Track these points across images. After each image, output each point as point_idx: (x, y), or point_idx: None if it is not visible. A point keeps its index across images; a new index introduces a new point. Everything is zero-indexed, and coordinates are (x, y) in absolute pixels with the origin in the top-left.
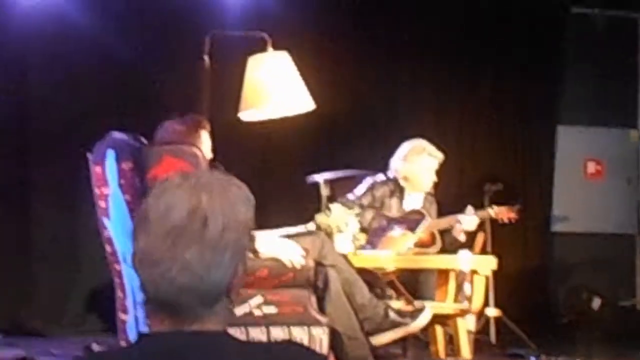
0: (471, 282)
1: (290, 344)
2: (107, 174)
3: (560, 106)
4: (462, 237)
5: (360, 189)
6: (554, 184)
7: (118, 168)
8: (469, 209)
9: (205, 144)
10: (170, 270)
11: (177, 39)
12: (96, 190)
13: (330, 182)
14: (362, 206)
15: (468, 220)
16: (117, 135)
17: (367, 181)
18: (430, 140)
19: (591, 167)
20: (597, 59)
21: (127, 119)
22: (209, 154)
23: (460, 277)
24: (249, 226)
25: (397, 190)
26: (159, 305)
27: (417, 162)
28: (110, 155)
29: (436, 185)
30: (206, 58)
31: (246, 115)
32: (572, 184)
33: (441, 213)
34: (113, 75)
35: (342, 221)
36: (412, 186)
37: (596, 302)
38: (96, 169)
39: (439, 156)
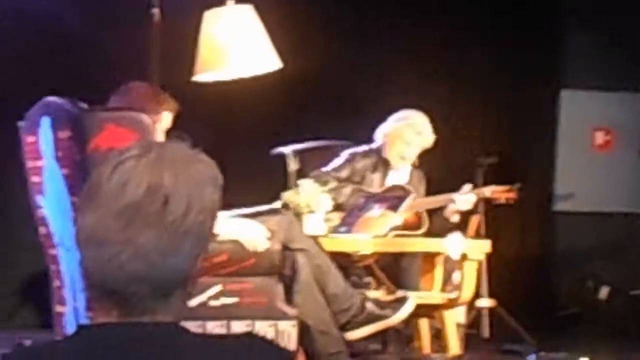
0: (461, 269)
1: (251, 337)
2: (42, 144)
3: (563, 68)
4: (455, 218)
5: (338, 160)
6: (556, 157)
7: (54, 138)
8: (466, 186)
9: (164, 119)
10: (120, 255)
11: None
12: (28, 164)
13: (299, 154)
14: (339, 180)
15: (464, 199)
16: (53, 100)
17: (347, 152)
18: (417, 106)
19: (599, 137)
20: (608, 12)
21: (63, 83)
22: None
23: (449, 263)
24: (214, 209)
25: (381, 163)
26: (104, 292)
27: (396, 128)
28: (45, 123)
29: (421, 158)
30: (156, 11)
31: (202, 77)
32: (577, 156)
33: (429, 191)
34: (45, 33)
35: (313, 199)
36: (390, 153)
37: (604, 292)
38: (28, 139)
39: (425, 137)
